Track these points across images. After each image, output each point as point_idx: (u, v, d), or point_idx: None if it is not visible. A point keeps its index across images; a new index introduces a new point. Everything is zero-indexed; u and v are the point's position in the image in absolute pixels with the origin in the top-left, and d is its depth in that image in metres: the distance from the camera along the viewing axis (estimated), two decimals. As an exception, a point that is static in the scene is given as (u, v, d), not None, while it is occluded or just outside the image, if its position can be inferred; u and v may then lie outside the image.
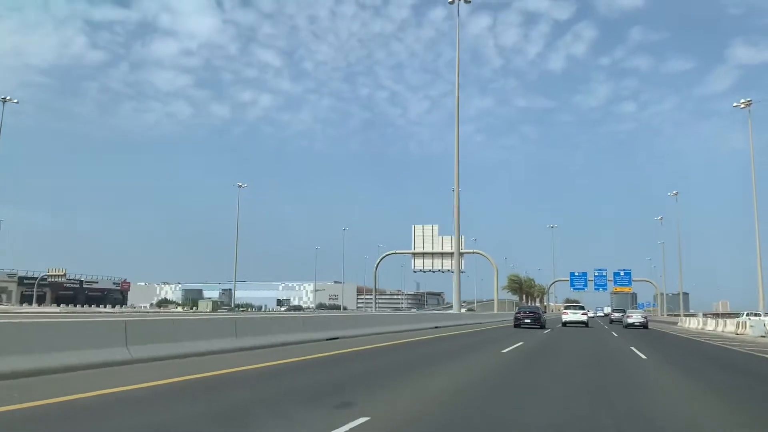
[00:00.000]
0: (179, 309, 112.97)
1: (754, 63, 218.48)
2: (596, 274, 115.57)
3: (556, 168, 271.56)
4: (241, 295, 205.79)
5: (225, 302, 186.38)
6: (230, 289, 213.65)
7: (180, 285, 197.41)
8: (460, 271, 74.07)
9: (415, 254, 73.44)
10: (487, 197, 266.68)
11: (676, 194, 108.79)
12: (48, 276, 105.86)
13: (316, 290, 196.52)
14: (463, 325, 38.51)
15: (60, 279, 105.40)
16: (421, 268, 73.61)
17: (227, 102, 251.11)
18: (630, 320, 45.36)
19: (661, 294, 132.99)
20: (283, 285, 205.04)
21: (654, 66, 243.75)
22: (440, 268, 73.60)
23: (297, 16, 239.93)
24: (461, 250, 73.47)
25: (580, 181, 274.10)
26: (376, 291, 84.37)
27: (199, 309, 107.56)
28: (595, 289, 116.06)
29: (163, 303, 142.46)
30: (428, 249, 72.70)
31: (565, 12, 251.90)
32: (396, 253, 75.69)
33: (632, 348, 20.58)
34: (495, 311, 74.64)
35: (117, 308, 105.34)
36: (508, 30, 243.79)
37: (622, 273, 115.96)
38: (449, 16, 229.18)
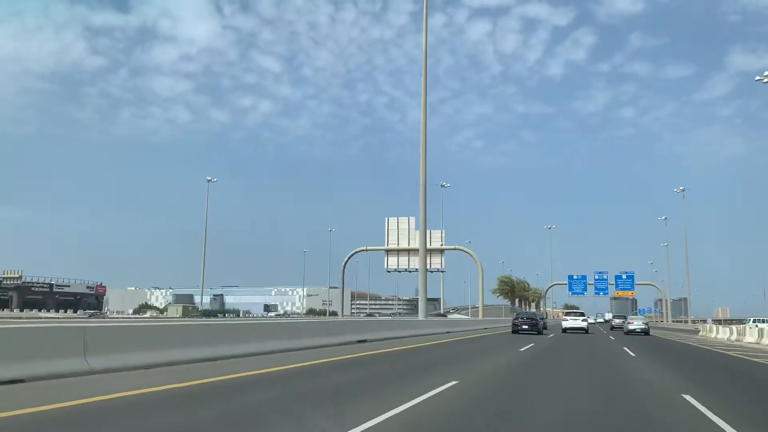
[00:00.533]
0: (147, 314, 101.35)
1: (753, 70, 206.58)
2: (596, 277, 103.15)
3: (556, 174, 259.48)
4: (232, 300, 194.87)
5: (214, 308, 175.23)
6: (221, 294, 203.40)
7: (171, 290, 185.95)
8: (427, 270, 62.15)
9: (388, 251, 61.50)
10: (487, 202, 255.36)
11: (683, 191, 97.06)
12: (3, 278, 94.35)
13: (309, 295, 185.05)
14: (412, 337, 26.59)
15: (15, 282, 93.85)
16: (396, 266, 61.62)
17: (227, 107, 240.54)
18: (631, 326, 41.63)
19: (665, 299, 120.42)
20: (275, 290, 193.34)
21: (653, 72, 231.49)
22: (417, 266, 61.55)
23: (297, 22, 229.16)
24: (442, 246, 61.72)
25: (580, 187, 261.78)
26: (343, 293, 72.50)
27: (169, 314, 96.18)
28: (596, 293, 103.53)
29: (144, 308, 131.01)
30: (404, 245, 60.76)
31: (564, 18, 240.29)
32: (367, 250, 63.78)
33: (692, 401, 8.67)
34: (480, 317, 62.56)
35: (78, 313, 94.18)
36: (507, 36, 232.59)
37: (624, 276, 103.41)
38: (448, 23, 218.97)
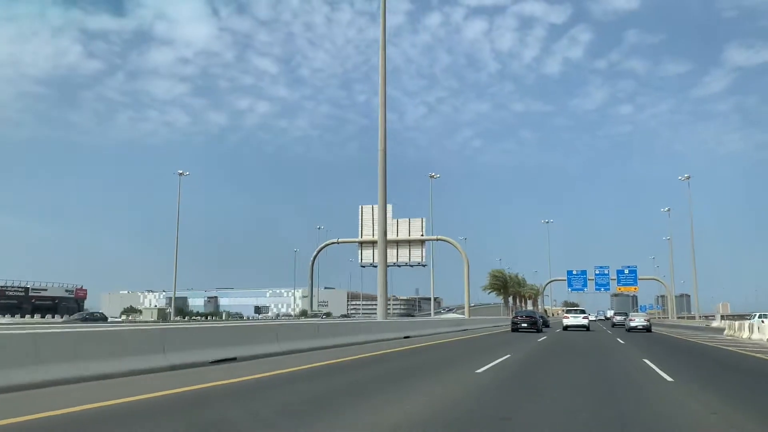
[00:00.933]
0: (120, 318, 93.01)
1: (750, 65, 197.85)
2: (597, 272, 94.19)
3: (555, 172, 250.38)
4: (227, 302, 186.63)
5: (208, 310, 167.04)
6: (216, 297, 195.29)
7: (164, 293, 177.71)
8: (407, 264, 53.58)
9: (362, 243, 53.02)
10: (486, 201, 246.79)
11: (688, 178, 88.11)
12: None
13: (304, 296, 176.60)
14: (339, 348, 18.06)
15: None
16: (371, 261, 53.05)
17: (224, 109, 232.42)
18: (632, 323, 39.35)
19: (670, 294, 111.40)
20: (270, 291, 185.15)
21: (650, 68, 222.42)
22: (395, 260, 53.06)
23: (293, 23, 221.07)
24: (423, 237, 53.21)
25: (579, 185, 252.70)
26: (312, 290, 64.02)
27: (143, 317, 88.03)
28: (596, 288, 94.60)
29: (128, 311, 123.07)
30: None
31: (560, 16, 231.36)
32: (338, 242, 55.28)
33: None
34: (467, 316, 53.86)
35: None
36: (504, 34, 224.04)
37: (626, 271, 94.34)
38: (444, 22, 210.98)
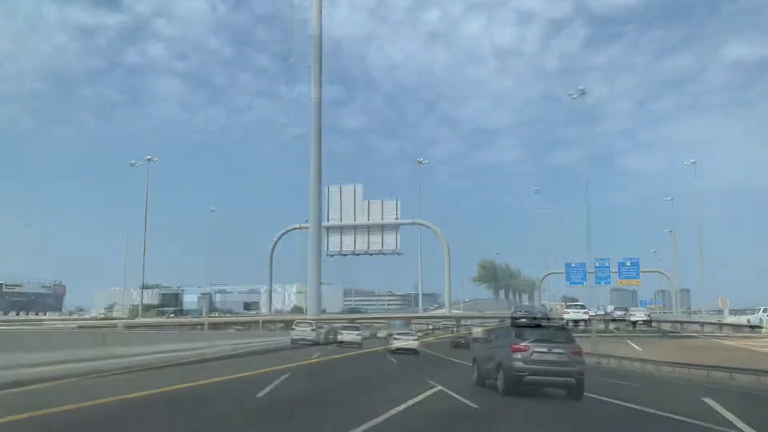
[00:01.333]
0: (88, 315, 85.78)
1: (749, 60, 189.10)
2: (597, 264, 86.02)
3: (554, 167, 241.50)
4: (222, 298, 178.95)
5: (201, 306, 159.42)
6: (210, 292, 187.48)
7: (157, 288, 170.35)
8: (381, 252, 45.49)
9: (329, 229, 44.94)
10: (486, 198, 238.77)
11: (694, 163, 79.52)
12: None
13: (298, 292, 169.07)
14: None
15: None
16: (339, 249, 45.03)
17: (223, 107, 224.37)
18: (633, 318, 40.25)
19: (674, 288, 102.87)
20: (265, 288, 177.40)
21: (649, 63, 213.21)
22: (366, 248, 44.95)
23: (290, 20, 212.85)
24: (397, 221, 45.11)
25: (578, 180, 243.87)
26: (272, 282, 56.15)
27: (115, 315, 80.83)
28: (596, 282, 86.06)
29: (111, 309, 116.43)
30: (349, 221, 44.31)
31: (559, 11, 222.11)
32: (300, 228, 47.24)
33: None
34: (447, 311, 45.65)
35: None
36: (503, 30, 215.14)
37: (628, 263, 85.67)
38: (443, 18, 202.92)
